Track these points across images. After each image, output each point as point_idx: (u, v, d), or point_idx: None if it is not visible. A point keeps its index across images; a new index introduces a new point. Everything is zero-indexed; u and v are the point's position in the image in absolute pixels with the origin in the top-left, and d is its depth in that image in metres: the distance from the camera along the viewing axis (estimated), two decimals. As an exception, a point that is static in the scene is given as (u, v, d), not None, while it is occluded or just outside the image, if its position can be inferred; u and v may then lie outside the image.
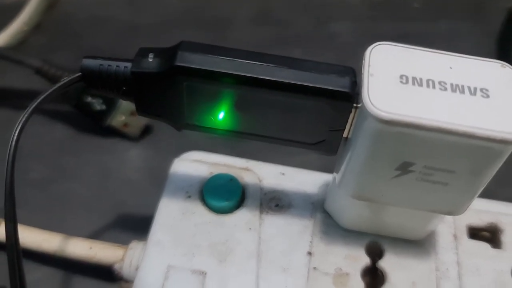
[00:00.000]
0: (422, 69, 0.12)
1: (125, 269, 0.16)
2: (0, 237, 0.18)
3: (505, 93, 0.11)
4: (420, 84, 0.11)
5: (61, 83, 0.13)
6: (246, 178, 0.17)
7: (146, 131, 0.23)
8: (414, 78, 0.11)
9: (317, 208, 0.16)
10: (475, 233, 0.16)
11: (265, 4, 0.29)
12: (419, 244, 0.15)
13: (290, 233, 0.16)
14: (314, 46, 0.26)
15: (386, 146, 0.12)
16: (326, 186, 0.16)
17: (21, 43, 0.23)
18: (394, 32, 0.27)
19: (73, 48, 0.26)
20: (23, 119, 0.13)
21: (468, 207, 0.13)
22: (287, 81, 0.12)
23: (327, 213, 0.16)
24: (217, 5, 0.28)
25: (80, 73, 0.13)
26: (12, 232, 0.13)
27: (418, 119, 0.11)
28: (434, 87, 0.11)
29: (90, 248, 0.17)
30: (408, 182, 0.12)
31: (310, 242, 0.15)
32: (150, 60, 0.13)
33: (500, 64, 0.12)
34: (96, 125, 0.22)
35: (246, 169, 0.17)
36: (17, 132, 0.13)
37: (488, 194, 0.14)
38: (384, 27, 0.27)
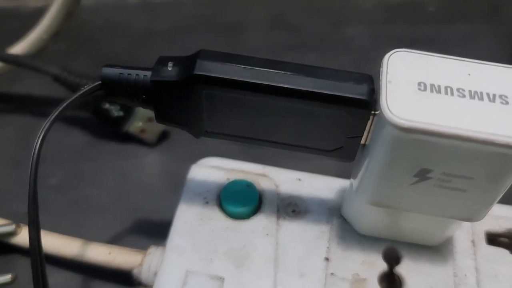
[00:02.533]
0: (440, 76, 0.12)
1: (143, 274, 0.16)
2: (22, 242, 0.19)
3: None
4: (438, 91, 0.11)
5: (82, 91, 0.13)
6: (263, 184, 0.17)
7: (163, 137, 0.23)
8: (432, 85, 0.11)
9: (334, 213, 0.16)
10: (493, 239, 0.16)
11: (279, 9, 0.29)
12: (436, 250, 0.15)
13: (307, 238, 0.16)
14: (329, 50, 0.26)
15: (404, 153, 0.12)
16: (343, 192, 0.16)
17: (40, 51, 0.23)
18: (409, 36, 0.27)
19: (91, 55, 0.26)
20: (45, 128, 0.13)
21: (487, 213, 0.13)
22: (305, 89, 0.12)
23: (344, 218, 0.16)
24: (231, 10, 0.29)
25: (100, 82, 0.13)
26: (35, 239, 0.13)
27: (437, 126, 0.11)
28: (452, 94, 0.11)
29: (109, 253, 0.17)
30: (426, 189, 0.12)
31: (327, 247, 0.15)
32: (170, 68, 0.13)
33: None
34: (114, 131, 0.22)
35: (263, 175, 0.17)
36: (39, 140, 0.13)
37: (507, 200, 0.14)
38: (399, 31, 0.27)
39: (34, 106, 0.25)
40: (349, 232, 0.16)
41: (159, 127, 0.23)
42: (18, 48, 0.23)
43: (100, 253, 0.17)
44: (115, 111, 0.22)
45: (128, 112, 0.22)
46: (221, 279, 0.15)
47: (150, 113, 0.22)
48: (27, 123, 0.24)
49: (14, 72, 0.23)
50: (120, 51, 0.26)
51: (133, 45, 0.27)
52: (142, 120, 0.22)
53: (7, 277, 0.18)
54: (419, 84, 0.11)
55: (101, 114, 0.22)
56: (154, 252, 0.16)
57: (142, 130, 0.22)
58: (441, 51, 0.12)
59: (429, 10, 0.29)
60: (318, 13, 0.28)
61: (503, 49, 0.27)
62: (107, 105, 0.21)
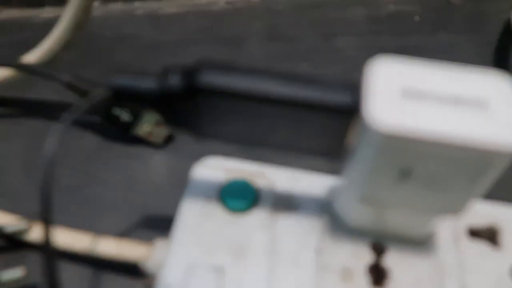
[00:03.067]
0: (422, 82, 0.12)
1: (150, 266, 0.16)
2: (34, 238, 0.19)
3: (504, 105, 0.11)
4: (420, 97, 0.11)
5: (93, 99, 0.14)
6: (260, 181, 0.17)
7: (168, 139, 0.23)
8: (414, 92, 0.11)
9: (325, 209, 0.16)
10: (475, 233, 0.16)
11: (275, 22, 0.29)
12: (421, 244, 0.16)
13: (300, 232, 0.16)
14: (321, 60, 0.27)
15: (387, 157, 0.12)
16: (334, 189, 0.17)
17: (52, 60, 0.23)
18: (396, 45, 0.27)
19: (101, 64, 0.26)
20: (60, 133, 0.13)
21: (468, 208, 0.13)
22: (295, 96, 0.12)
23: (335, 213, 0.16)
24: (232, 23, 0.29)
25: (110, 89, 0.14)
26: (47, 234, 0.13)
27: (418, 132, 0.11)
28: (434, 100, 0.11)
29: (118, 246, 0.18)
30: (410, 188, 0.13)
31: (319, 240, 0.16)
32: (173, 78, 0.13)
33: (499, 75, 0.12)
34: (122, 134, 0.23)
35: (260, 173, 0.17)
36: (54, 144, 0.13)
37: (488, 195, 0.14)
38: (386, 41, 0.28)
39: (46, 111, 0.25)
40: (339, 226, 0.16)
41: (165, 131, 0.23)
42: (31, 57, 0.23)
43: (109, 247, 0.18)
44: (124, 117, 0.22)
45: (137, 117, 0.22)
46: (221, 270, 0.15)
47: (157, 118, 0.22)
48: (40, 127, 0.24)
49: (27, 79, 0.23)
50: (127, 61, 0.27)
51: (140, 55, 0.27)
52: (149, 124, 0.22)
53: (19, 272, 0.18)
54: (402, 90, 0.11)
55: (111, 119, 0.22)
56: (159, 245, 0.17)
57: (149, 134, 0.23)
58: (426, 59, 0.12)
59: (415, 20, 0.29)
60: (311, 26, 0.29)
61: (484, 57, 0.27)
62: (117, 111, 0.22)
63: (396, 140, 0.11)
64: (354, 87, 0.12)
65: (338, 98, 0.12)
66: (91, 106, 0.14)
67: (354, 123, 0.13)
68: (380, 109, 0.11)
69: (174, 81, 0.13)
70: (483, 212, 0.16)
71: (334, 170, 0.17)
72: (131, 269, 0.18)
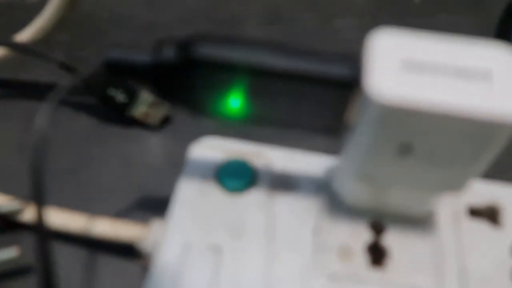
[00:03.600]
0: (424, 53, 0.11)
1: (146, 246, 0.16)
2: (28, 218, 0.19)
3: (507, 76, 0.11)
4: (422, 68, 0.11)
5: (86, 73, 0.14)
6: (258, 161, 0.17)
7: (165, 121, 0.23)
8: (415, 63, 0.11)
9: (324, 188, 0.16)
10: (475, 212, 0.16)
11: (273, 3, 0.29)
12: (421, 222, 0.15)
13: (298, 211, 0.16)
14: (320, 42, 0.26)
15: (388, 130, 0.12)
16: (333, 168, 0.17)
17: (44, 41, 0.23)
18: (396, 27, 0.27)
19: (95, 45, 0.26)
20: (49, 110, 0.13)
21: (469, 184, 0.13)
22: (294, 69, 0.12)
23: (333, 193, 0.16)
24: (229, 4, 0.29)
25: (104, 63, 0.13)
26: (40, 214, 0.13)
27: (419, 103, 0.11)
28: (435, 71, 0.11)
29: (113, 226, 0.17)
30: (410, 165, 0.12)
31: (317, 219, 0.16)
32: (168, 51, 0.13)
33: (502, 47, 0.12)
34: (119, 116, 0.22)
35: (258, 153, 0.17)
36: (44, 122, 0.13)
37: (488, 175, 0.14)
38: (386, 23, 0.27)
39: (41, 92, 0.25)
40: (338, 205, 0.16)
41: (162, 112, 0.23)
42: (23, 36, 0.23)
43: (105, 227, 0.18)
44: (120, 98, 0.22)
45: (132, 98, 0.22)
46: (218, 249, 0.15)
47: (153, 98, 0.22)
48: (33, 108, 0.24)
49: (21, 59, 0.23)
50: (123, 41, 0.26)
51: (135, 36, 0.27)
52: (145, 105, 0.22)
53: (13, 253, 0.18)
54: (403, 61, 0.11)
55: (107, 101, 0.22)
56: (156, 225, 0.16)
57: (146, 115, 0.22)
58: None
59: (415, 2, 0.29)
60: (309, 7, 0.28)
61: (484, 38, 0.27)
62: (112, 92, 0.21)
63: (397, 112, 0.11)
64: (354, 60, 0.12)
65: (339, 71, 0.12)
66: (80, 82, 0.13)
67: (354, 98, 0.12)
68: (381, 81, 0.11)
69: (169, 53, 0.13)
70: (483, 191, 0.16)
71: (333, 149, 0.16)
72: (126, 250, 0.17)
